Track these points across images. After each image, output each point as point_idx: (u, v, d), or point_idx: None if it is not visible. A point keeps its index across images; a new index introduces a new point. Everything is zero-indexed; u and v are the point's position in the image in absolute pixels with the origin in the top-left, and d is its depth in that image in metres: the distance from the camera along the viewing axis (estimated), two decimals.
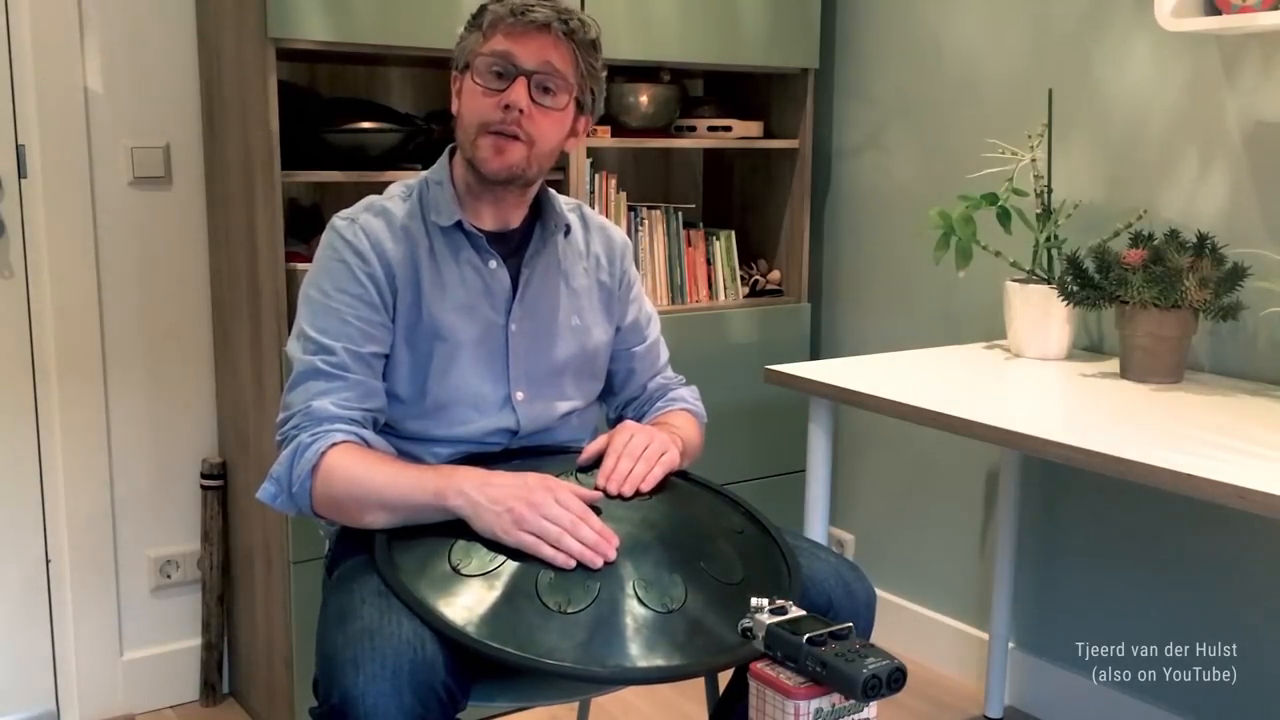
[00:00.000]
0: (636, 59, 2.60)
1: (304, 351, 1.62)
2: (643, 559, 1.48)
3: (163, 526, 2.60)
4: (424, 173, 1.77)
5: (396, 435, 1.70)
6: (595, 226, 1.86)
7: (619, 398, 1.92)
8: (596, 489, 1.57)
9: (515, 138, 1.64)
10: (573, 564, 1.44)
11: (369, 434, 1.61)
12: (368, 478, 1.54)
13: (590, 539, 1.46)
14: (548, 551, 1.44)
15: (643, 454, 1.63)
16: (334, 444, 1.55)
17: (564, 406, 1.77)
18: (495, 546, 1.47)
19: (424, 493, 1.52)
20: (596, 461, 1.64)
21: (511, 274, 1.73)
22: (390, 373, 1.68)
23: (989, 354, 2.40)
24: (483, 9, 1.68)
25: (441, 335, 1.68)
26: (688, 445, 1.78)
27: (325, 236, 1.69)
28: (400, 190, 1.74)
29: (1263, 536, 2.22)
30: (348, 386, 1.60)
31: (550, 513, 1.46)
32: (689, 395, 1.94)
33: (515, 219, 1.76)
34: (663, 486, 1.64)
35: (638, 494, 1.58)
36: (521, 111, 1.63)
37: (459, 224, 1.70)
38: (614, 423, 1.89)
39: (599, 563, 1.45)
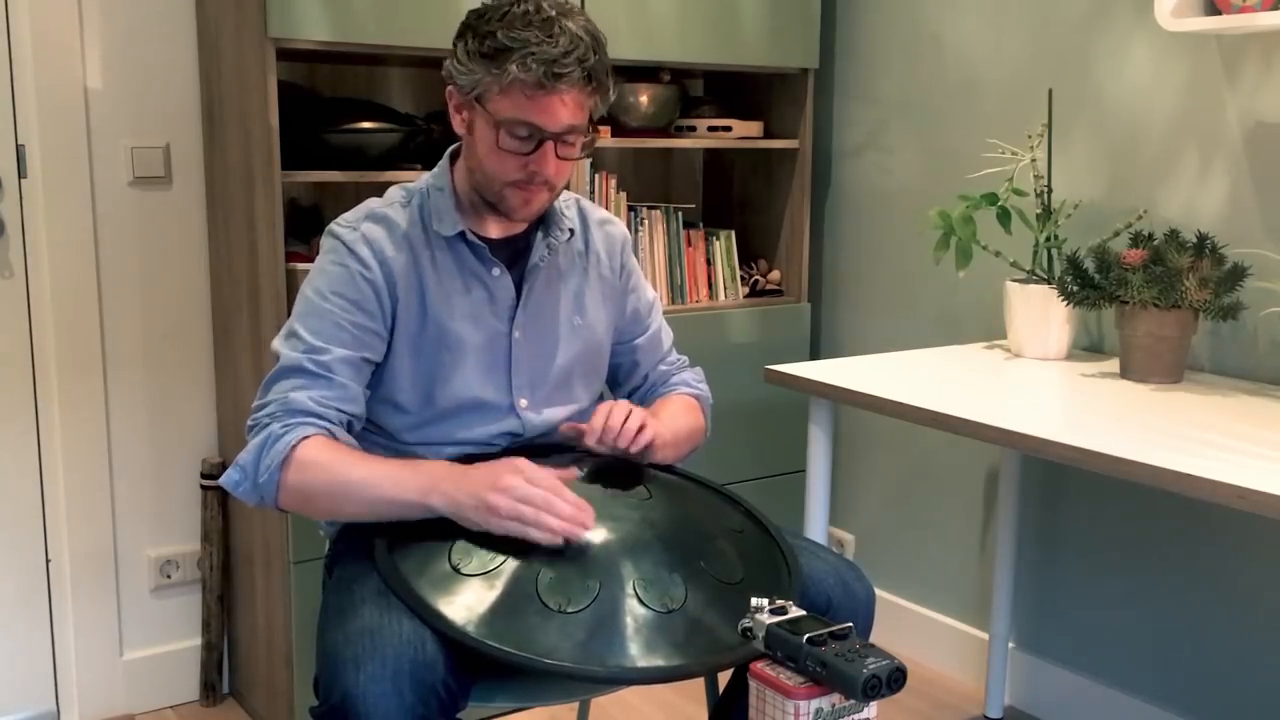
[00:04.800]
0: (636, 59, 2.60)
1: (292, 349, 1.61)
2: (643, 558, 1.48)
3: (163, 526, 2.60)
4: (424, 176, 1.76)
5: (396, 442, 1.70)
6: (595, 222, 1.85)
7: (624, 389, 1.92)
8: (582, 444, 1.63)
9: (543, 184, 1.65)
10: (559, 540, 1.45)
11: (341, 432, 1.60)
12: (345, 473, 1.53)
13: (566, 513, 1.46)
14: (534, 534, 1.45)
15: (622, 426, 1.64)
16: (305, 437, 1.54)
17: (569, 410, 1.77)
18: (495, 546, 1.47)
19: (406, 492, 1.52)
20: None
21: (515, 280, 1.73)
22: (391, 382, 1.68)
23: (989, 354, 2.40)
24: (500, 51, 1.56)
25: (447, 344, 1.68)
26: (672, 434, 1.76)
27: (326, 242, 1.69)
28: (400, 195, 1.73)
29: (1263, 536, 2.22)
30: (330, 386, 1.60)
31: (522, 493, 1.47)
32: (691, 378, 1.93)
33: (520, 226, 1.76)
34: (658, 480, 1.65)
35: (627, 463, 1.59)
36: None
37: (462, 234, 1.70)
38: None
39: (581, 535, 1.46)
